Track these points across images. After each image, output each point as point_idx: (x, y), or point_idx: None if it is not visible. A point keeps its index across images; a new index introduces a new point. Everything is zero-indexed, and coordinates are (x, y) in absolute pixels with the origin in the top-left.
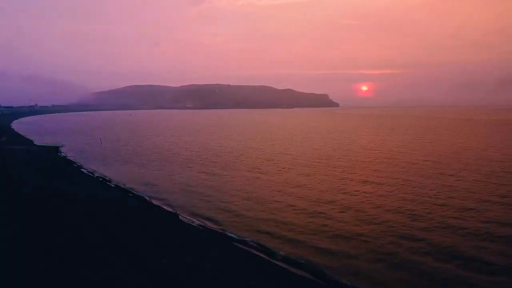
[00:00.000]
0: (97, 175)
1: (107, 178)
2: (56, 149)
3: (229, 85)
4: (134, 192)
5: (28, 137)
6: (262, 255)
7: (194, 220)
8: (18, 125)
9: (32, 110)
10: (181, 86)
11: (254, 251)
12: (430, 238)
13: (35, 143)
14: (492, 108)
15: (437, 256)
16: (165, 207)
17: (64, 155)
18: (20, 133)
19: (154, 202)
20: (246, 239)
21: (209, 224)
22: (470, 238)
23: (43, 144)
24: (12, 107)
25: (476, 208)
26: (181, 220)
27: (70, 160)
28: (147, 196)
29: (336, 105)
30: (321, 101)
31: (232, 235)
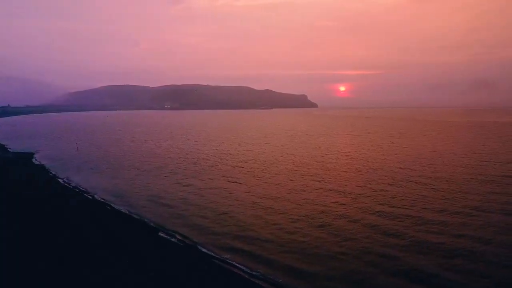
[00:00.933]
0: (73, 185)
1: (83, 189)
2: (30, 156)
3: (207, 85)
4: (113, 206)
5: (0, 142)
6: (241, 273)
7: (175, 234)
8: None
9: (5, 111)
10: (160, 86)
11: (233, 269)
12: (407, 257)
13: (8, 149)
14: (465, 109)
15: (414, 276)
16: (145, 220)
17: (38, 162)
18: None
19: (134, 216)
20: (224, 257)
21: (188, 242)
22: (447, 257)
23: (17, 151)
24: None
25: (449, 221)
26: (160, 235)
27: (46, 168)
28: (126, 210)
29: (314, 105)
30: (300, 102)
31: (210, 253)
